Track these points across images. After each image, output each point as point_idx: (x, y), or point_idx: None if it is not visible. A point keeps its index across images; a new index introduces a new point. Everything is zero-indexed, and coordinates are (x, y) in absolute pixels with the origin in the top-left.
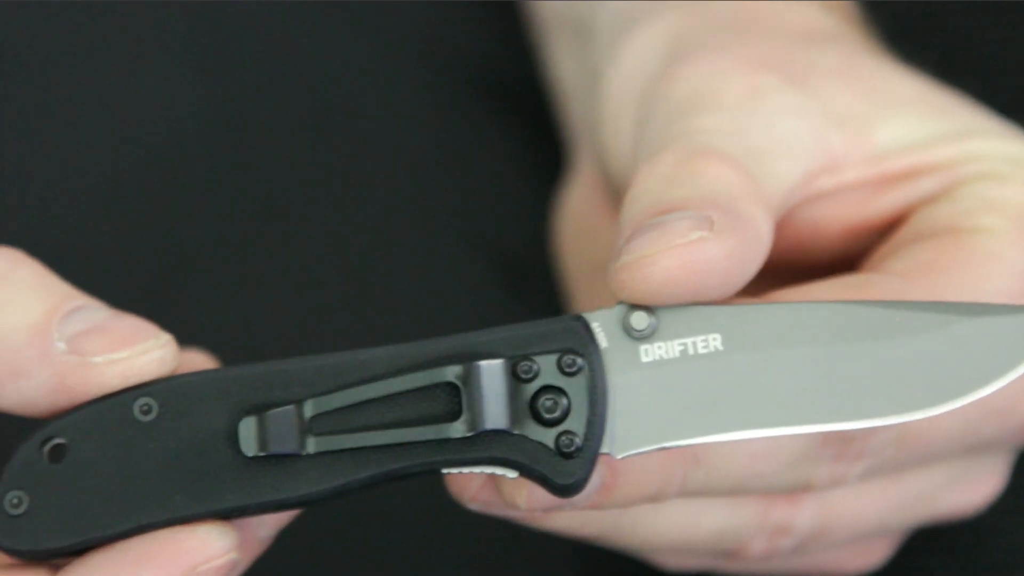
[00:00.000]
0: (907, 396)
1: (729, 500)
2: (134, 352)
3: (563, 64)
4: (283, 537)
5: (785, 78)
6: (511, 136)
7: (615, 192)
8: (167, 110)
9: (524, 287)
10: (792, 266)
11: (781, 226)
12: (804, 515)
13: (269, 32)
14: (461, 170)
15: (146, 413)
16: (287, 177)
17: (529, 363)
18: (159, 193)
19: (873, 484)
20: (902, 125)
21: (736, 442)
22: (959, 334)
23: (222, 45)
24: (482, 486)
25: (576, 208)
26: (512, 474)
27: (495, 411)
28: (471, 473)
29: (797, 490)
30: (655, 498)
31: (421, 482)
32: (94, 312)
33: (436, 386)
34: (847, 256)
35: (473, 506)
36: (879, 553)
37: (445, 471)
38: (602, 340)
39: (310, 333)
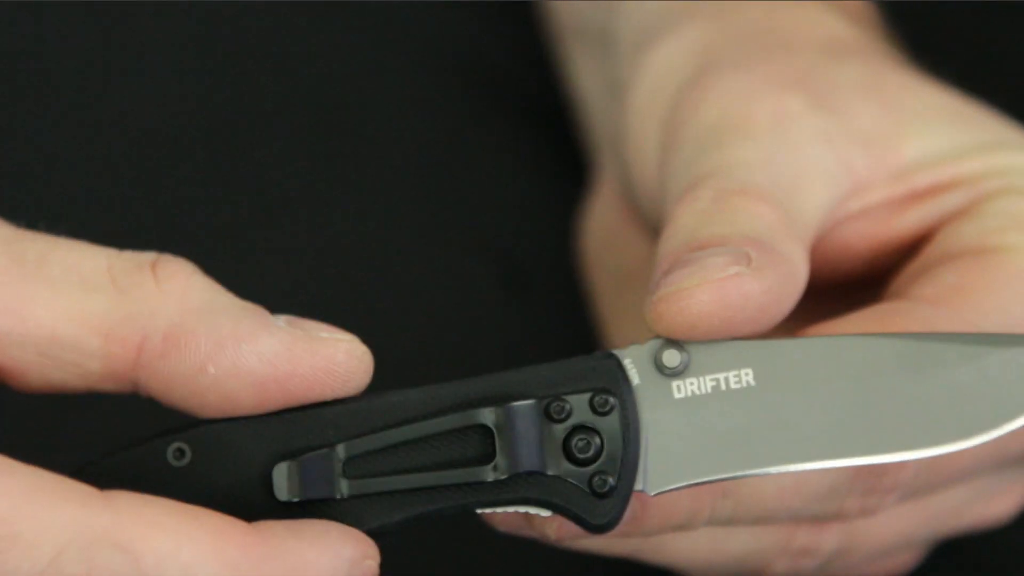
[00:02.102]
0: (939, 429)
1: (755, 526)
2: (353, 340)
3: (583, 72)
4: None
5: (810, 99)
6: (514, 138)
7: (639, 205)
8: (167, 111)
9: (526, 291)
10: (819, 285)
11: (811, 247)
12: (829, 538)
13: (270, 33)
14: (463, 173)
15: (179, 458)
16: (288, 178)
17: (561, 403)
18: (158, 195)
19: (900, 506)
20: (927, 139)
21: (768, 476)
22: (990, 366)
23: (222, 45)
24: (511, 514)
25: (600, 220)
26: (545, 513)
27: (528, 453)
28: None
29: (826, 520)
30: (683, 528)
31: None
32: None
33: (469, 428)
34: (873, 272)
35: (502, 528)
36: (905, 564)
37: (479, 511)
38: (634, 377)
39: None
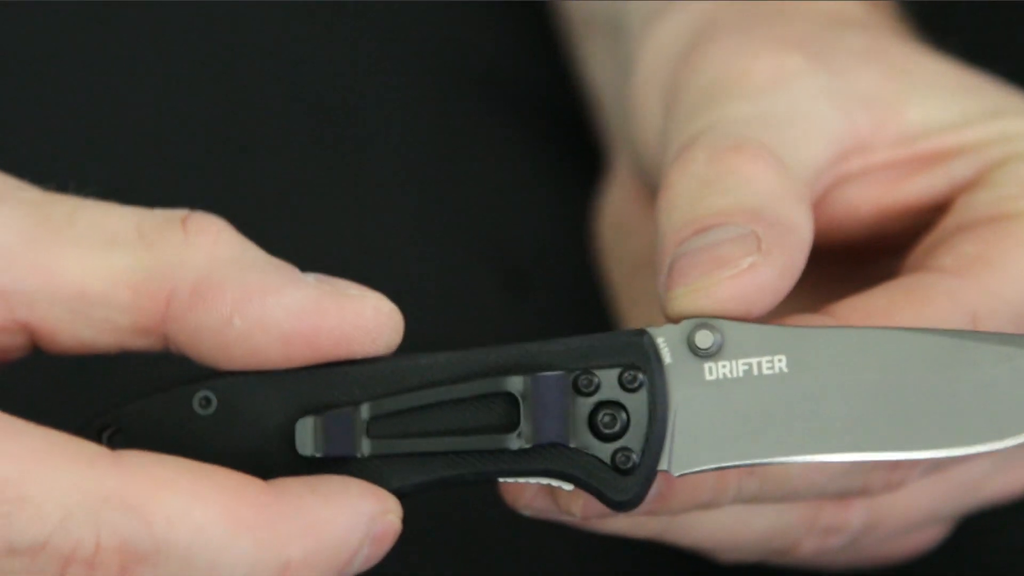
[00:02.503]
0: (969, 428)
1: (780, 504)
2: (381, 298)
3: (595, 64)
4: None
5: (811, 58)
6: (517, 140)
7: (648, 179)
8: (167, 111)
9: (527, 292)
10: (827, 248)
11: (814, 209)
12: (855, 515)
13: (270, 33)
14: (465, 174)
15: (205, 407)
16: (288, 178)
17: (590, 376)
18: (158, 195)
19: (924, 480)
20: (932, 105)
21: None
22: (1022, 367)
23: (222, 45)
24: (536, 494)
25: (614, 208)
26: (568, 486)
27: (553, 424)
28: (526, 483)
29: (851, 496)
30: (709, 506)
31: None
32: None
33: (495, 395)
34: (882, 237)
35: (526, 512)
36: (931, 538)
37: (501, 480)
38: (666, 356)
39: None
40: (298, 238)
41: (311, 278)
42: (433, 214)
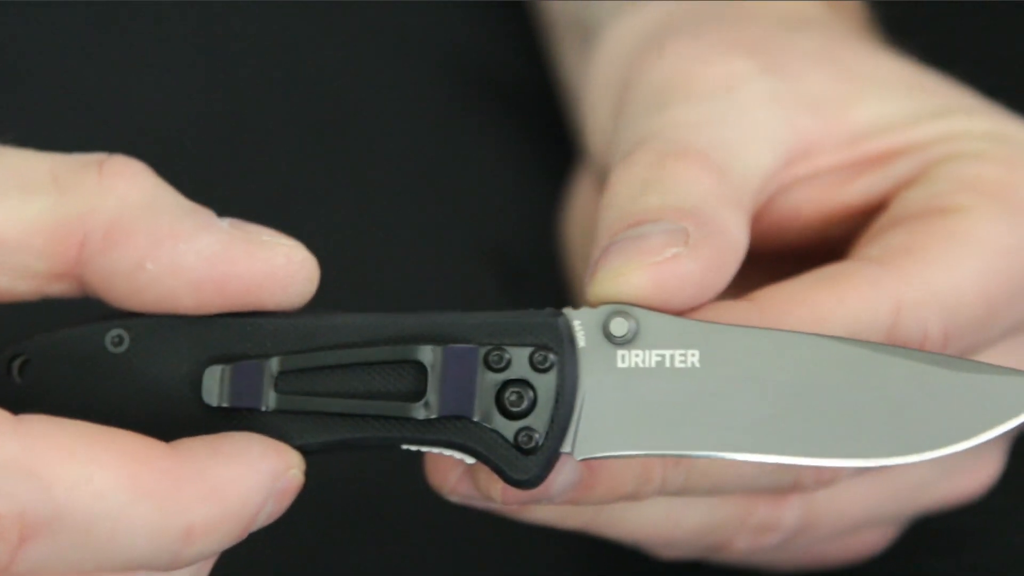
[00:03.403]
0: (875, 440)
1: (711, 498)
2: (295, 245)
3: (569, 66)
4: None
5: (760, 63)
6: (512, 136)
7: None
8: (167, 111)
9: (524, 287)
10: (769, 251)
11: (758, 213)
12: (790, 513)
13: (270, 32)
14: (461, 170)
15: (117, 345)
16: (287, 177)
17: (501, 353)
18: None
19: (862, 480)
20: (879, 105)
21: None
22: (934, 386)
23: (222, 45)
24: (460, 479)
25: (579, 206)
26: (469, 460)
27: (460, 397)
28: (431, 453)
29: (783, 491)
30: (633, 497)
31: (416, 480)
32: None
33: (405, 362)
34: (824, 239)
35: (453, 498)
36: (875, 542)
37: (404, 447)
38: (581, 339)
39: None
40: (296, 237)
41: (225, 223)
42: (429, 212)
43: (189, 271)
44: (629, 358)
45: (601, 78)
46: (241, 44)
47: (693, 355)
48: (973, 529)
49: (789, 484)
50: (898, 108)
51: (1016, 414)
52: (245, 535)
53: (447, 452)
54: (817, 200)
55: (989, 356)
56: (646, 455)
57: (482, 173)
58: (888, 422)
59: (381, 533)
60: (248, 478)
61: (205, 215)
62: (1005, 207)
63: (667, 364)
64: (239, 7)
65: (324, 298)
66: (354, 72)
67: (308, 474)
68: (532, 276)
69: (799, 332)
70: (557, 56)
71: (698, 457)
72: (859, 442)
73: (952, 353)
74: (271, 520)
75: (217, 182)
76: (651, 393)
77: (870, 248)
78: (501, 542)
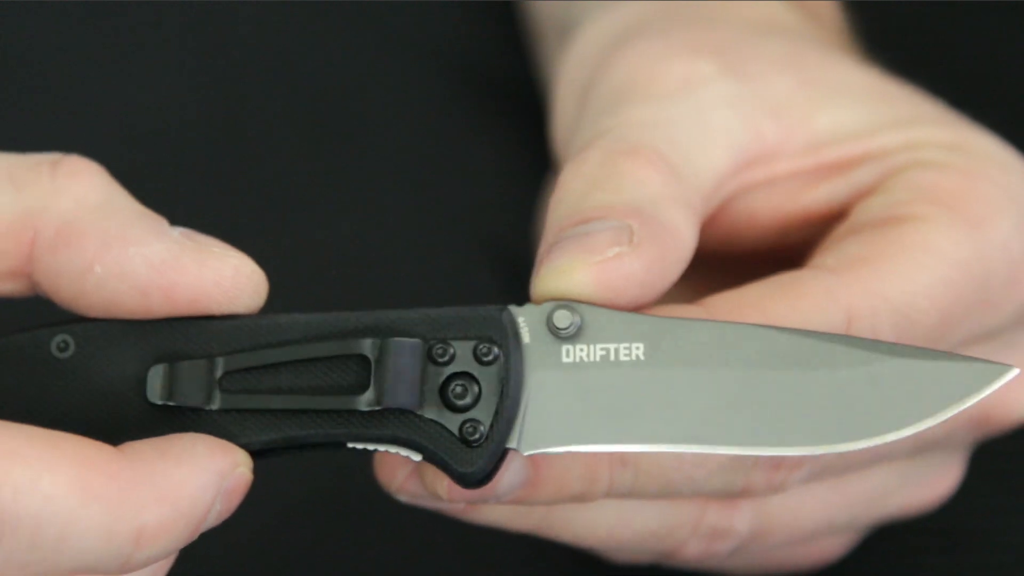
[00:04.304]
0: (821, 429)
1: (661, 502)
2: (243, 258)
3: (549, 65)
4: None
5: (723, 65)
6: (508, 133)
7: None
8: (166, 111)
9: (519, 281)
10: (726, 256)
11: (714, 216)
12: (741, 519)
13: (269, 32)
14: (457, 166)
15: (62, 350)
16: (286, 176)
17: (445, 346)
18: (157, 193)
19: (816, 487)
20: (841, 113)
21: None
22: (880, 372)
23: (222, 45)
24: (408, 477)
25: None
26: (416, 456)
27: (404, 389)
28: (378, 451)
29: (733, 495)
30: (581, 497)
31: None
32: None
33: (348, 357)
34: (782, 246)
35: (401, 497)
36: (832, 550)
37: (350, 445)
38: (525, 335)
39: None
40: (296, 236)
41: (176, 232)
42: (431, 211)
43: (137, 276)
44: (574, 352)
45: (568, 76)
46: (238, 43)
47: (638, 348)
48: (973, 529)
49: (739, 488)
50: (860, 116)
51: (965, 398)
52: (196, 535)
53: (393, 449)
54: (775, 205)
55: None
56: (594, 450)
57: (478, 169)
58: (837, 409)
59: (366, 533)
60: (196, 478)
61: (157, 222)
62: (961, 218)
63: (612, 358)
64: (237, 6)
65: (323, 295)
66: (351, 71)
67: (292, 480)
68: (527, 270)
69: (745, 324)
70: (541, 56)
71: (646, 451)
72: (809, 430)
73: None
74: (221, 519)
75: (213, 179)
76: (597, 387)
77: (825, 257)
78: (468, 544)
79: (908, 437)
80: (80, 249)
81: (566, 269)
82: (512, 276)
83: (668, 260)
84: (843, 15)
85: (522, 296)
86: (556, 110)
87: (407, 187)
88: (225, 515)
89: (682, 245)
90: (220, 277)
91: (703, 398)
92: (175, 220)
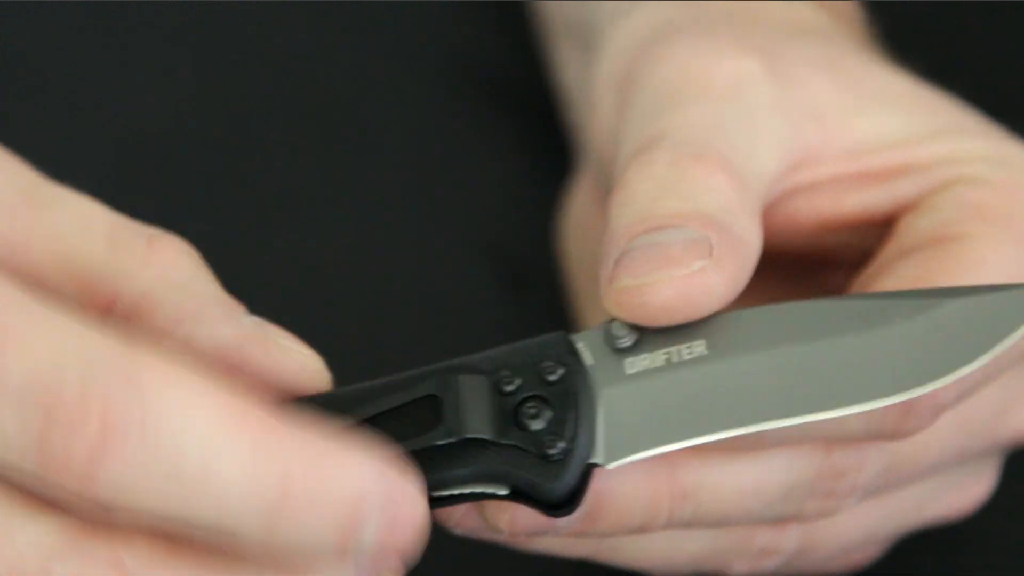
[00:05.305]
0: (892, 379)
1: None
2: (311, 355)
3: (568, 68)
4: None
5: (768, 66)
6: (513, 137)
7: (604, 184)
8: (166, 110)
9: (525, 289)
10: (768, 258)
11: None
12: (789, 538)
13: (269, 32)
14: (462, 171)
15: None
16: (286, 177)
17: (511, 376)
18: (157, 193)
19: (861, 505)
20: (881, 121)
21: (726, 478)
22: (940, 316)
23: (222, 44)
24: (466, 512)
25: (578, 210)
26: (503, 491)
27: (477, 418)
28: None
29: (785, 520)
30: (640, 530)
31: None
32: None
33: (418, 402)
34: (822, 249)
35: (458, 531)
36: (867, 556)
37: (434, 494)
38: (587, 358)
39: (307, 333)
40: (296, 237)
41: (249, 320)
42: (430, 212)
43: (201, 355)
44: (637, 363)
45: (607, 74)
46: (239, 43)
47: (699, 345)
48: (973, 529)
49: (792, 515)
50: (900, 124)
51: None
52: (344, 547)
53: (478, 489)
54: (814, 209)
55: (1004, 379)
56: (674, 448)
57: (482, 172)
58: (902, 357)
59: None
60: (352, 462)
61: (230, 307)
62: (1011, 234)
63: (675, 359)
64: (237, 6)
65: (324, 296)
66: (353, 72)
67: None
68: (532, 276)
69: (795, 302)
70: (552, 57)
71: (724, 437)
72: (879, 384)
73: (966, 381)
74: (382, 551)
75: (212, 180)
76: (666, 389)
77: (883, 280)
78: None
79: (950, 457)
80: (152, 321)
81: (651, 282)
82: (514, 277)
83: (744, 273)
84: (865, 21)
85: (523, 296)
86: (589, 109)
87: (407, 188)
88: (384, 549)
89: (753, 255)
90: (284, 369)
91: (771, 377)
92: (175, 220)
